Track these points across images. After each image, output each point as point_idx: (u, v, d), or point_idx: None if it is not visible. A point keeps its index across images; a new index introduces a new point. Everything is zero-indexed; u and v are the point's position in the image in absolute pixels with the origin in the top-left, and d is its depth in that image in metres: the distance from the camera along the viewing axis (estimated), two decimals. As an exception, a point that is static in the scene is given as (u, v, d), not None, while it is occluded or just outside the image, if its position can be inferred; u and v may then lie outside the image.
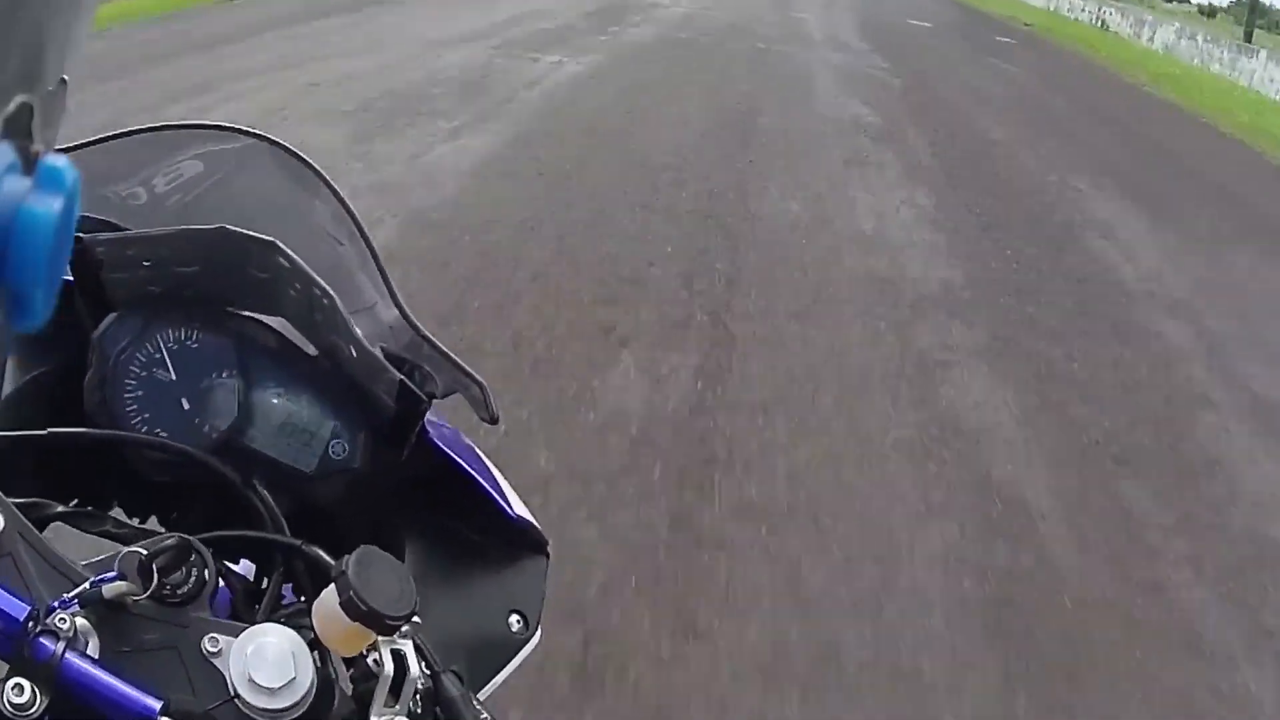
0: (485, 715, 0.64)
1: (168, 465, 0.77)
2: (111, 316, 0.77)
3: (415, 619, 0.60)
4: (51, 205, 0.27)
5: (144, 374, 0.77)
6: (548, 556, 0.80)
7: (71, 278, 0.74)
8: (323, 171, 0.79)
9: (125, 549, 0.59)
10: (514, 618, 0.75)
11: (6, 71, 0.28)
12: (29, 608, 0.54)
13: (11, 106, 0.28)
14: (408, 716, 0.61)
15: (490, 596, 0.77)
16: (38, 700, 0.53)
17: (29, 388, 0.78)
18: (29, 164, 0.29)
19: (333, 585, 0.58)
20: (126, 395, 0.76)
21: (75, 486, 0.79)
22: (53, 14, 0.30)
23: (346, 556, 0.58)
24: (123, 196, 0.78)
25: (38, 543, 0.58)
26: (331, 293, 0.70)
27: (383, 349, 0.74)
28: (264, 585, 0.73)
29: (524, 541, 0.80)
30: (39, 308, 0.27)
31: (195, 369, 0.77)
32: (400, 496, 0.80)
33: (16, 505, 0.58)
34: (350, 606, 0.57)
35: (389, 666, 0.61)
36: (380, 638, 0.60)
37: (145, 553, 0.58)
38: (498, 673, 0.73)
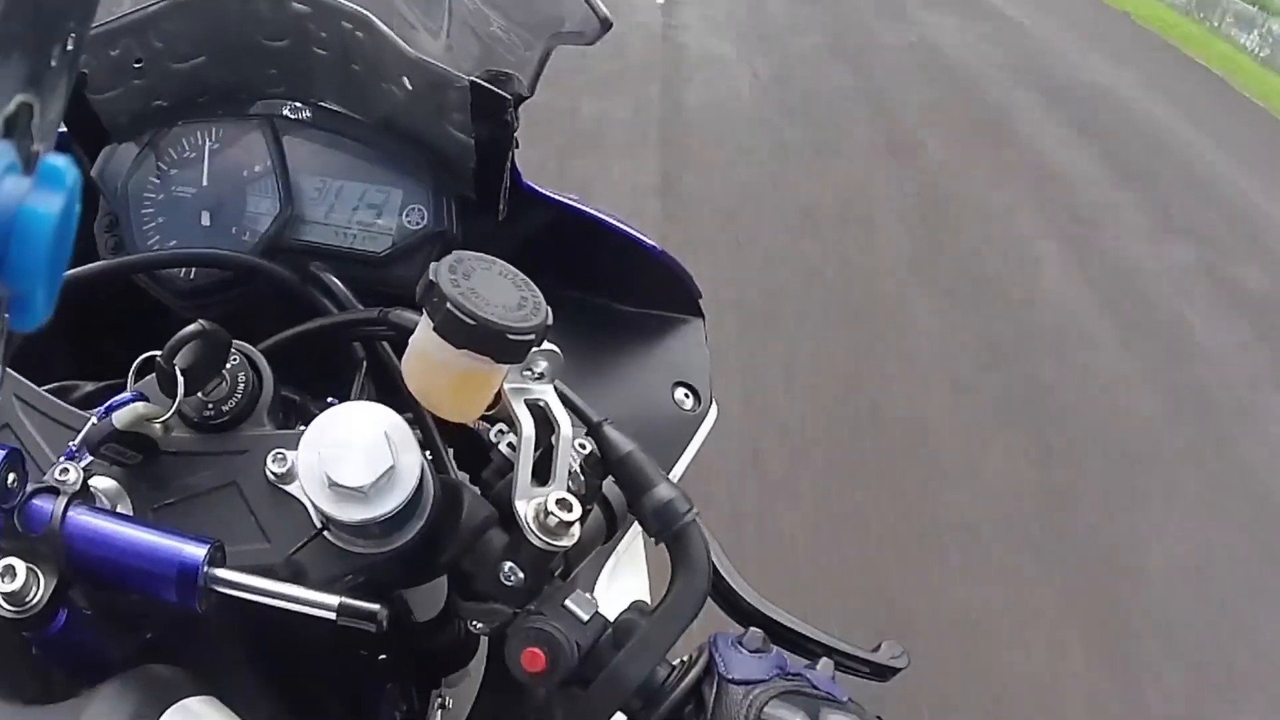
0: (675, 483, 0.46)
1: (206, 293, 0.62)
2: (108, 147, 0.63)
3: (551, 347, 0.41)
4: (52, 205, 0.27)
5: (159, 196, 0.63)
6: (703, 315, 0.66)
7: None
8: None
9: (139, 359, 0.44)
10: (680, 391, 0.62)
11: (7, 71, 0.28)
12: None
13: (11, 106, 0.28)
14: (569, 494, 0.41)
15: (648, 370, 0.63)
16: (40, 584, 0.38)
17: None
18: (29, 164, 0.28)
19: (423, 315, 0.39)
20: (145, 227, 0.62)
21: (110, 365, 0.63)
22: (53, 12, 0.30)
23: (433, 264, 0.39)
24: None
25: (38, 400, 0.44)
26: (366, 14, 0.55)
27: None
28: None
29: (670, 301, 0.64)
30: (40, 308, 0.27)
31: (222, 173, 0.62)
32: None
33: (49, 390, 0.46)
34: (451, 326, 0.37)
35: (528, 424, 0.40)
36: (508, 385, 0.41)
37: (160, 353, 0.42)
38: (677, 456, 0.60)
